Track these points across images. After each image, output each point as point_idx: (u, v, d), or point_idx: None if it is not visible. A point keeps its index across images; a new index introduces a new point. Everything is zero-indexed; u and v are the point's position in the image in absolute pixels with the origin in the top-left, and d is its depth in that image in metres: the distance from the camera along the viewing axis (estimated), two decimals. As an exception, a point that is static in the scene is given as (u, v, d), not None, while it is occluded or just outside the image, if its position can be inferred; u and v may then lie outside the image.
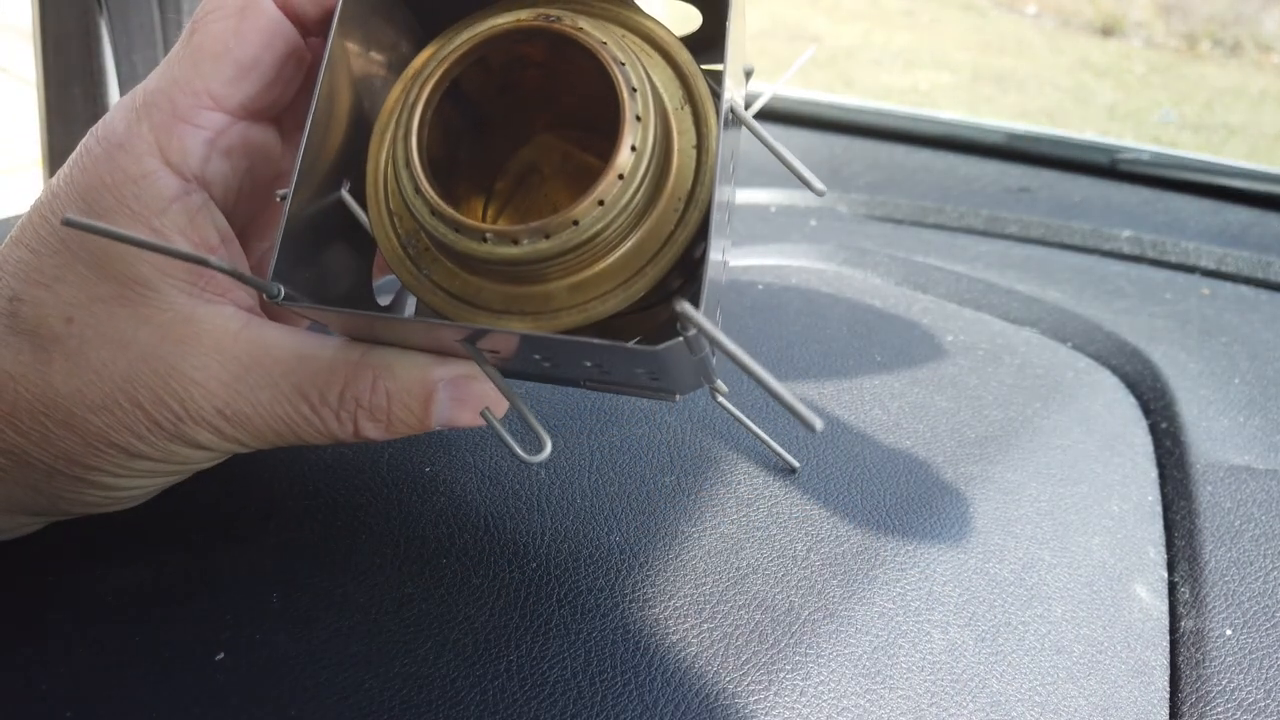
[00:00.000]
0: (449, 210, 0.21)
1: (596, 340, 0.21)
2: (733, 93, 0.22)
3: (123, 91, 0.47)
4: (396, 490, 0.30)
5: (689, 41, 0.24)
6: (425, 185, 0.21)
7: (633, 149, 0.21)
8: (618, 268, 0.22)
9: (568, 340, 0.21)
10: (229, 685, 0.24)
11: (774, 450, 0.33)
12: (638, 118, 0.21)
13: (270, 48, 0.25)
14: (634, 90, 0.21)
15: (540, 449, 0.25)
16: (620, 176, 0.20)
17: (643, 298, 0.22)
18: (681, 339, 0.20)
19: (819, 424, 0.18)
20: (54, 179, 0.25)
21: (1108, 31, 4.03)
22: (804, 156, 0.78)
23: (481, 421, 0.25)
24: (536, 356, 0.23)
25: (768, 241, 0.58)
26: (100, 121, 0.25)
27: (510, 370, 0.25)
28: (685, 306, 0.19)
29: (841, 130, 0.80)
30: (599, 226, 0.21)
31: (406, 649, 0.25)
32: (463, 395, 0.25)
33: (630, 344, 0.21)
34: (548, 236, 0.21)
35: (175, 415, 0.23)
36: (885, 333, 0.45)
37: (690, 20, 0.25)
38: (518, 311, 0.22)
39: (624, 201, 0.21)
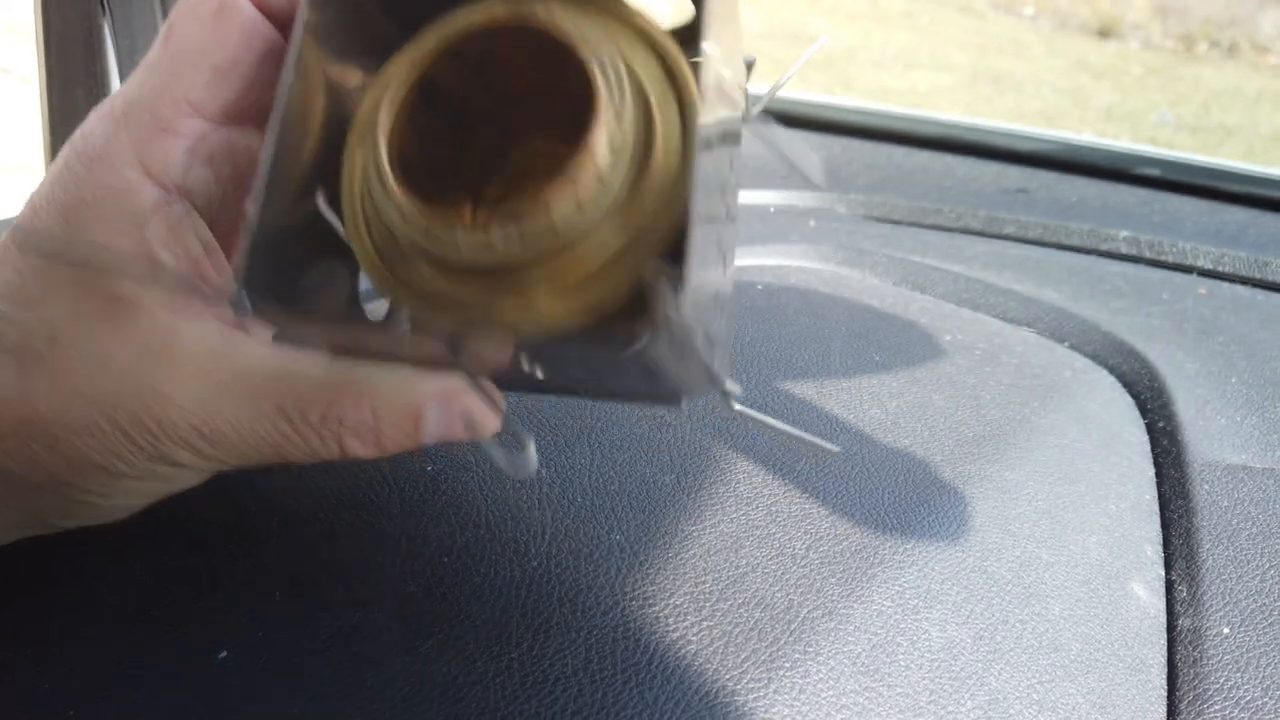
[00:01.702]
0: (414, 209, 0.20)
1: (563, 343, 0.20)
2: (719, 72, 0.21)
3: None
4: (398, 489, 0.30)
5: (686, 34, 0.24)
6: (391, 183, 0.21)
7: (610, 143, 0.20)
8: (603, 267, 0.21)
9: (544, 344, 0.20)
10: (231, 684, 0.24)
11: (809, 441, 0.31)
12: (616, 112, 0.20)
13: (249, 48, 0.24)
14: (610, 80, 0.20)
15: (527, 465, 0.26)
16: (598, 172, 0.20)
17: (631, 299, 0.21)
18: (655, 340, 0.19)
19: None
20: (35, 193, 0.24)
21: (1105, 33, 4.04)
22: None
23: (478, 433, 0.24)
24: (523, 364, 0.22)
25: (767, 242, 0.58)
26: (78, 132, 0.24)
27: (503, 382, 0.25)
28: (666, 306, 0.19)
29: (840, 131, 0.81)
30: (575, 221, 0.20)
31: (408, 647, 0.25)
32: (453, 410, 0.24)
33: (599, 344, 0.20)
34: (522, 236, 0.20)
35: (153, 435, 0.23)
36: (883, 332, 0.45)
37: (683, 10, 0.25)
38: (498, 318, 0.21)
39: (601, 198, 0.20)
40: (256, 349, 0.24)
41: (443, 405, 0.24)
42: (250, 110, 0.25)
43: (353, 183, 0.23)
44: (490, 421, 0.25)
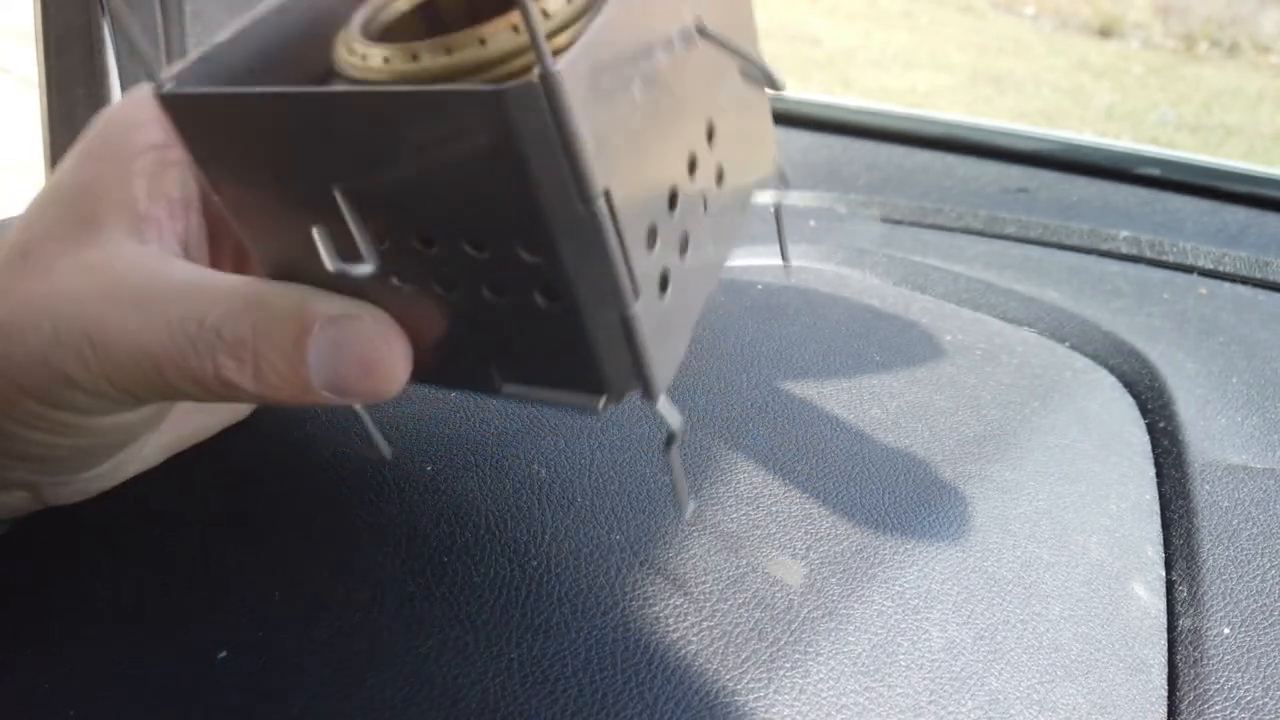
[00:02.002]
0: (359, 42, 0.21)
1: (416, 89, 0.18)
2: None
3: (124, 92, 0.47)
4: (398, 489, 0.30)
5: None
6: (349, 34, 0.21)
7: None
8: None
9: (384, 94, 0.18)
10: (231, 684, 0.24)
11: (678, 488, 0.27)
12: None
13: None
14: None
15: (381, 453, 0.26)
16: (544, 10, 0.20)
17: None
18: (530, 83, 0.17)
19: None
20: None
21: (1105, 33, 4.03)
22: (803, 157, 0.78)
23: (372, 382, 0.22)
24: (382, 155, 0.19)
25: (767, 241, 0.58)
26: None
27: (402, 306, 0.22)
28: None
29: (840, 131, 0.81)
30: (508, 49, 0.19)
31: (408, 647, 0.25)
32: (346, 338, 0.22)
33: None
34: (449, 51, 0.19)
35: (49, 340, 0.22)
36: (884, 332, 0.45)
37: None
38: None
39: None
40: (184, 268, 0.23)
41: (335, 331, 0.22)
42: None
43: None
44: (388, 371, 0.22)
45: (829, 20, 3.90)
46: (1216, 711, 0.28)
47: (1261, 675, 0.29)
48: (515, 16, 0.20)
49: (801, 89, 0.96)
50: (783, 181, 0.29)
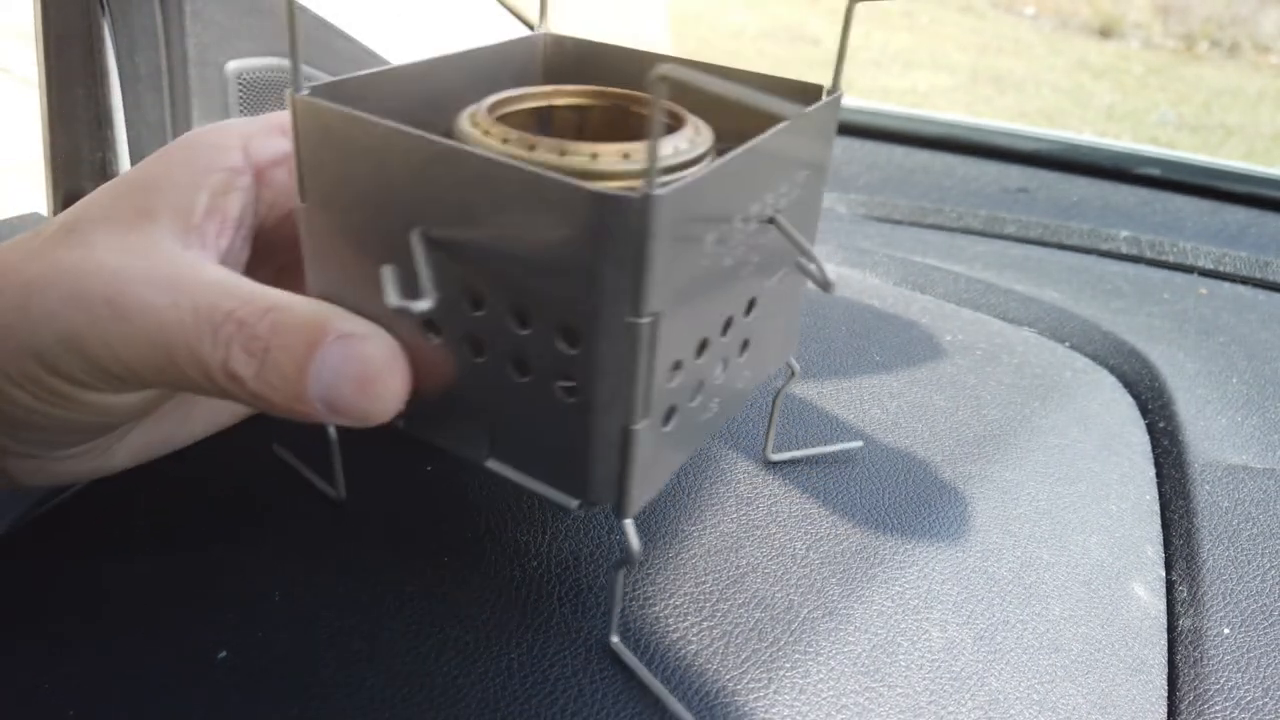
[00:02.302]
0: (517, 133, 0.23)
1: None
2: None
3: (125, 92, 0.47)
4: (398, 489, 0.30)
5: None
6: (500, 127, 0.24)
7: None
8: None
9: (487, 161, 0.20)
10: (231, 683, 0.24)
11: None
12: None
13: None
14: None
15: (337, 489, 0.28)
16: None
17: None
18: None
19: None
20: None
21: (1106, 33, 4.04)
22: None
23: (367, 400, 0.23)
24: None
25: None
26: None
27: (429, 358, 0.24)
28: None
29: (840, 131, 0.80)
30: (613, 170, 0.22)
31: (408, 647, 0.25)
32: (352, 355, 0.23)
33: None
34: (562, 154, 0.22)
35: (66, 296, 0.23)
36: (884, 332, 0.45)
37: None
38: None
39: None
40: (220, 270, 0.24)
41: (347, 347, 0.23)
42: None
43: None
44: (382, 396, 0.23)
45: (829, 20, 3.90)
46: (1216, 711, 0.28)
47: (1261, 675, 0.29)
48: (627, 146, 0.22)
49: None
50: (790, 372, 0.31)
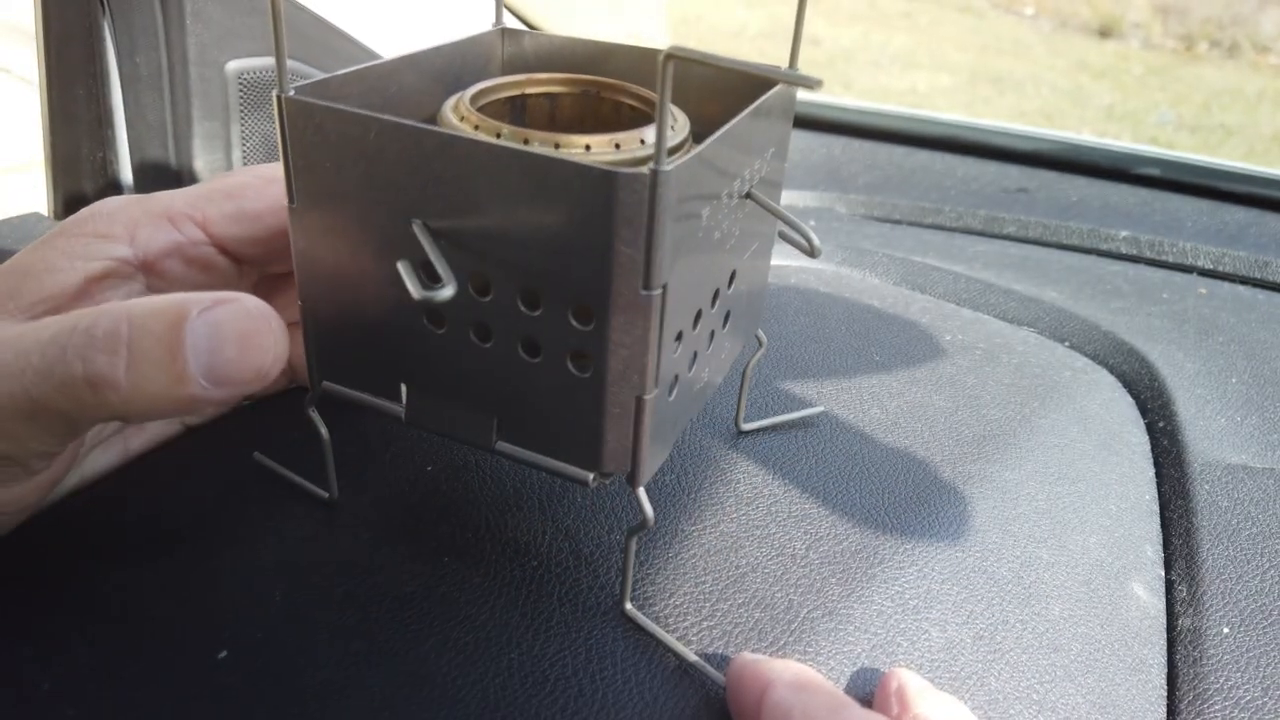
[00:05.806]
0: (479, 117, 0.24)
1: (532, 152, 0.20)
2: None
3: (125, 92, 0.47)
4: (398, 489, 0.30)
5: None
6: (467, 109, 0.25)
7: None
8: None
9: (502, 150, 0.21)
10: (231, 683, 0.24)
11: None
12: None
13: (278, 215, 0.28)
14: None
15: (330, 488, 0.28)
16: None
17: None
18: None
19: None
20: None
21: (1105, 33, 4.03)
22: (803, 157, 0.78)
23: (254, 357, 0.22)
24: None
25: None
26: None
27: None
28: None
29: (840, 131, 0.81)
30: (605, 160, 0.23)
31: (408, 647, 0.25)
32: (224, 318, 0.22)
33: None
34: (556, 146, 0.23)
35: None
36: (884, 332, 0.45)
37: None
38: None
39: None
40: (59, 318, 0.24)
41: (214, 314, 0.22)
42: (250, 255, 0.29)
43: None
44: (266, 345, 0.22)
45: (829, 21, 3.90)
46: (1216, 711, 0.28)
47: (1260, 675, 0.29)
48: (618, 135, 0.24)
49: (801, 90, 0.96)
50: (759, 343, 0.33)
